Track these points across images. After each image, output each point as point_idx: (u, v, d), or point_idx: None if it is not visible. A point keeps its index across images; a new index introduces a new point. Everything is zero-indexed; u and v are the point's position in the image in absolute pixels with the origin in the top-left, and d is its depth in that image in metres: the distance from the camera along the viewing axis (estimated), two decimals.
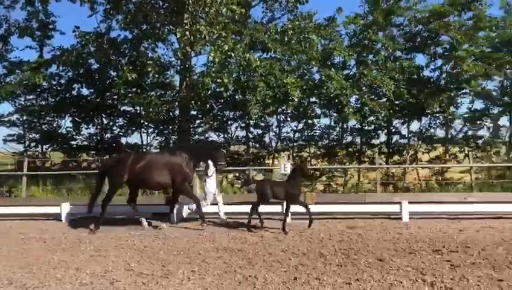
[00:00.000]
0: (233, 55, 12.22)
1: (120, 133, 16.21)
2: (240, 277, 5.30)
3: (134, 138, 16.34)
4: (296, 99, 13.15)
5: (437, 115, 14.82)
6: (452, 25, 13.47)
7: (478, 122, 15.07)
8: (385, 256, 6.29)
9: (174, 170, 8.85)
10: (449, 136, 14.78)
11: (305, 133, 15.63)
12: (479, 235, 8.05)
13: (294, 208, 8.62)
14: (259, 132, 15.76)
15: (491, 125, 14.97)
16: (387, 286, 4.98)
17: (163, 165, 8.90)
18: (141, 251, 6.84)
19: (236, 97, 14.05)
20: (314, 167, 14.73)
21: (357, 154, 15.42)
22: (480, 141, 15.11)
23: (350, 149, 15.61)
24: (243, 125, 15.32)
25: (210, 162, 9.12)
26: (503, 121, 14.73)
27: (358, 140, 15.64)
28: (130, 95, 13.88)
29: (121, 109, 15.75)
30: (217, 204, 9.13)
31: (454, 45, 13.23)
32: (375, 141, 15.55)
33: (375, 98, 14.20)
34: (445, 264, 5.88)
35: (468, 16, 14.06)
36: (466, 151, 13.81)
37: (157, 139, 16.26)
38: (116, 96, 14.36)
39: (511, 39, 13.29)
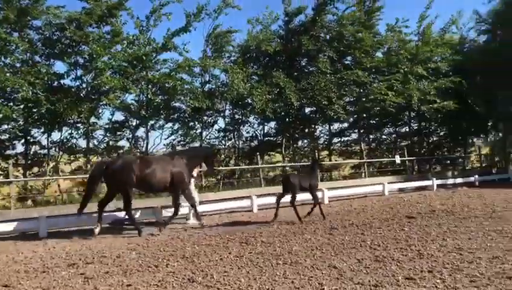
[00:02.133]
0: None
1: None
2: None
3: None
4: None
5: (78, 125, 15.24)
6: (91, 36, 14.14)
7: (118, 133, 16.41)
8: (13, 280, 6.13)
9: (176, 174, 10.09)
10: (91, 146, 15.42)
11: None
12: (116, 243, 8.81)
13: None
14: None
15: (131, 135, 16.53)
16: None
17: (168, 169, 10.03)
18: None
19: None
20: None
21: None
22: (120, 151, 16.44)
23: None
24: None
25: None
26: (140, 132, 16.64)
27: None
28: None
29: None
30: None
31: (94, 56, 13.96)
32: (11, 152, 14.50)
33: (10, 104, 13.27)
34: (79, 278, 6.24)
35: (107, 30, 15.12)
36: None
37: None
38: None
39: (144, 56, 15.09)
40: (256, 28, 19.37)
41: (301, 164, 19.41)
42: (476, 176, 20.11)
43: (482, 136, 26.25)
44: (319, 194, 14.26)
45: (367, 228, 9.89)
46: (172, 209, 10.56)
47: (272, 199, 13.94)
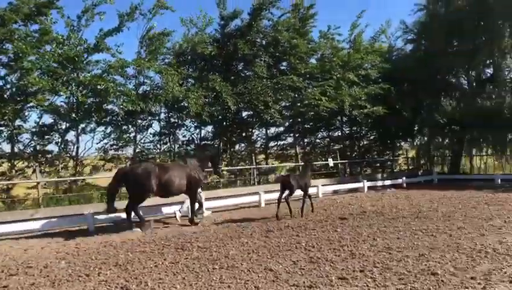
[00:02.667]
0: None
1: None
2: None
3: None
4: None
5: (1, 128, 14.40)
6: (17, 34, 13.44)
7: (47, 136, 15.67)
8: None
9: (190, 177, 11.47)
10: (16, 150, 14.59)
11: None
12: (44, 252, 8.41)
13: None
14: None
15: (60, 139, 15.80)
16: None
17: (183, 174, 11.32)
18: None
19: None
20: None
21: None
22: (49, 156, 15.65)
23: None
24: None
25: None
26: (71, 136, 15.96)
27: None
28: None
29: None
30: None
31: (20, 55, 13.26)
32: None
33: None
34: None
35: (35, 28, 14.44)
36: (34, 166, 13.99)
37: None
38: None
39: (75, 57, 14.53)
40: (191, 30, 19.30)
41: (239, 167, 19.56)
42: (404, 178, 21.29)
43: (408, 140, 27.77)
44: (256, 198, 14.73)
45: (302, 229, 10.18)
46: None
47: (209, 204, 14.01)
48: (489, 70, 25.07)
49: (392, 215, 12.07)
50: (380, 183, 20.66)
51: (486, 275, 6.10)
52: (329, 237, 9.14)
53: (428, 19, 25.03)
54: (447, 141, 26.25)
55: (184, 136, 19.93)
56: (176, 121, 19.26)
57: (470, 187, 18.55)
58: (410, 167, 26.20)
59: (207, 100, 17.42)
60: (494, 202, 14.05)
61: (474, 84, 24.99)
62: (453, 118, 22.94)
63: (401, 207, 13.59)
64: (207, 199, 14.10)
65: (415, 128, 26.38)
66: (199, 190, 12.35)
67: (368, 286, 5.81)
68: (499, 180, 20.48)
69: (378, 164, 25.97)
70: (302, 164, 15.02)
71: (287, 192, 12.20)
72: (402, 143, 28.02)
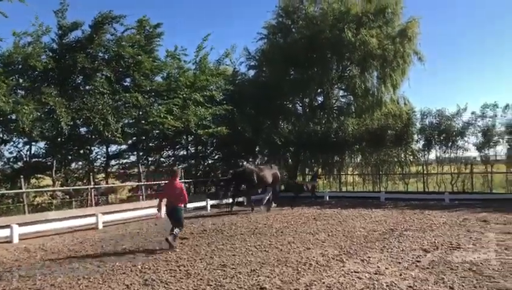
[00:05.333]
0: None
1: None
2: None
3: None
4: None
5: None
6: None
7: None
8: None
9: (275, 175, 18.72)
10: None
11: None
12: None
13: None
14: None
15: None
16: None
17: (270, 173, 18.53)
18: None
19: None
20: None
21: None
22: None
23: None
24: None
25: None
26: None
27: None
28: None
29: None
30: None
31: None
32: None
33: None
34: None
35: None
36: None
37: None
38: None
39: None
40: (24, 39, 17.49)
41: (75, 187, 18.22)
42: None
43: (251, 159, 29.13)
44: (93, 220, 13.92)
45: (140, 251, 9.91)
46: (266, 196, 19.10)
47: (38, 227, 12.80)
48: (321, 98, 27.99)
49: (230, 232, 12.47)
50: (224, 201, 21.18)
51: (308, 286, 6.66)
52: (167, 258, 9.05)
53: (269, 48, 26.96)
54: (284, 160, 28.22)
55: (11, 153, 17.94)
56: (1, 136, 17.20)
57: (302, 204, 20.18)
58: None
59: (39, 114, 15.94)
60: (321, 217, 15.51)
61: (308, 110, 27.63)
62: (290, 140, 24.89)
63: (240, 224, 14.13)
64: (29, 223, 12.86)
65: (257, 148, 27.84)
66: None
67: None
68: (327, 197, 22.73)
69: (222, 183, 26.61)
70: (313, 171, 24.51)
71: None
72: (245, 162, 29.21)
